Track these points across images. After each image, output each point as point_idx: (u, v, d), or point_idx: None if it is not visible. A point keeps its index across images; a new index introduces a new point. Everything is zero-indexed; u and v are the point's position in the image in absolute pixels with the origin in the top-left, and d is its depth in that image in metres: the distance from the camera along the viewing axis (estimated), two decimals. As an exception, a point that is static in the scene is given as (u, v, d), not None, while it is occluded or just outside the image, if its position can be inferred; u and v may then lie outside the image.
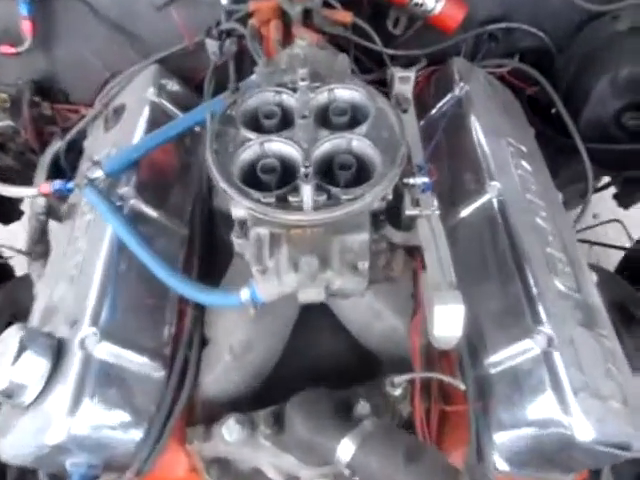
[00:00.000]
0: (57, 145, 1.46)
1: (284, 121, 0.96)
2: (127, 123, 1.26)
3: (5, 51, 1.45)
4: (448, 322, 0.81)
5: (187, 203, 1.20)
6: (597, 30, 1.45)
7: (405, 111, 1.12)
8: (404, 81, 1.15)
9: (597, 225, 1.78)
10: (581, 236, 1.50)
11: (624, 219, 1.76)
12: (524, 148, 1.23)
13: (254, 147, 0.92)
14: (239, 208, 0.90)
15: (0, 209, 1.76)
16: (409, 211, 0.94)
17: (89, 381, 0.88)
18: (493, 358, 0.93)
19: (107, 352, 0.91)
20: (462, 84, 1.28)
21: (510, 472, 0.90)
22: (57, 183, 1.14)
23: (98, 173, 1.06)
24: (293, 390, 0.91)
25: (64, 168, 1.45)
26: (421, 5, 1.36)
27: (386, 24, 1.43)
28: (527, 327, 0.91)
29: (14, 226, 1.83)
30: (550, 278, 0.97)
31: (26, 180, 1.44)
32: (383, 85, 1.24)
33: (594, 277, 1.05)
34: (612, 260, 1.72)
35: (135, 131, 1.20)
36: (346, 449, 0.81)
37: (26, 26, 1.40)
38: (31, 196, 1.22)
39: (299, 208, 0.86)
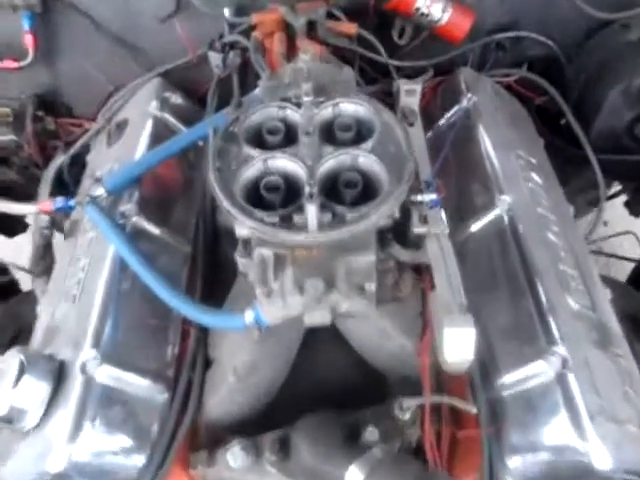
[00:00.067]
0: (61, 159, 1.45)
1: (288, 137, 0.94)
2: (130, 138, 1.25)
3: (8, 65, 1.44)
4: (459, 346, 0.78)
5: (190, 220, 1.18)
6: (607, 39, 1.44)
7: (412, 125, 1.10)
8: (410, 94, 1.13)
9: (611, 237, 1.75)
10: (595, 247, 1.47)
11: (635, 227, 1.73)
12: (534, 160, 1.20)
13: (257, 164, 0.89)
14: (242, 227, 0.88)
15: (5, 222, 1.77)
16: (417, 229, 0.91)
17: (90, 405, 0.86)
18: (505, 379, 0.90)
19: (108, 375, 0.89)
20: (469, 95, 1.26)
21: (524, 498, 0.87)
22: (59, 200, 1.13)
23: (100, 191, 1.05)
24: (299, 411, 0.89)
25: (67, 182, 1.45)
26: (427, 15, 1.34)
27: (391, 34, 1.41)
28: (540, 348, 0.89)
29: (20, 238, 1.82)
30: (563, 296, 0.94)
31: (30, 194, 1.43)
32: (389, 96, 1.22)
33: (608, 293, 1.03)
34: (627, 270, 1.69)
35: (137, 146, 1.20)
36: (354, 477, 0.78)
37: (28, 40, 1.39)
38: (32, 214, 1.21)
39: (303, 227, 0.83)
